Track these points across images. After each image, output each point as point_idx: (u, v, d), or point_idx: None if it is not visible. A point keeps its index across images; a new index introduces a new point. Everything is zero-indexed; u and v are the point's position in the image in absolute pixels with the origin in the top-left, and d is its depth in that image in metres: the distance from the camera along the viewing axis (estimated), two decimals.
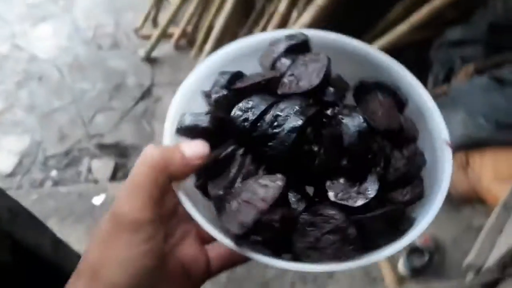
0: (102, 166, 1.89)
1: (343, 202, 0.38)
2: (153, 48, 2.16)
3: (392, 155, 0.42)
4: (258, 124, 0.39)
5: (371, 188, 0.39)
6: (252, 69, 0.46)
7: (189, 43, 2.15)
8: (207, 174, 0.39)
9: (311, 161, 0.39)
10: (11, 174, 1.89)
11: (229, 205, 0.36)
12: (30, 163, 1.92)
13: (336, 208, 0.38)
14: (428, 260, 1.36)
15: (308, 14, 1.47)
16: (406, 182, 0.42)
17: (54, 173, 1.91)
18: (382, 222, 0.38)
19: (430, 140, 0.44)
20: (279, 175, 0.37)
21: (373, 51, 0.47)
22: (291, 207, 0.38)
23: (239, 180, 0.38)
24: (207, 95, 0.43)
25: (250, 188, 0.37)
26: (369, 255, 0.37)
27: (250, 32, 1.77)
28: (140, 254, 0.34)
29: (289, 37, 0.46)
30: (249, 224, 0.34)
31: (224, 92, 0.42)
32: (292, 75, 0.43)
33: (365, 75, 0.45)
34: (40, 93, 2.14)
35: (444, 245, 1.44)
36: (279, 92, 0.42)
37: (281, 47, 0.46)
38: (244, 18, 1.84)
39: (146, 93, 2.13)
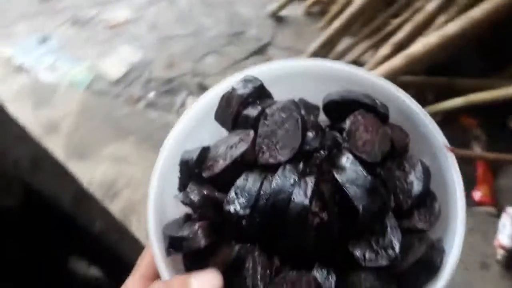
0: None
1: (374, 265, 0.36)
2: (283, 6, 2.08)
3: (397, 179, 0.40)
4: (255, 215, 0.37)
5: (395, 237, 0.37)
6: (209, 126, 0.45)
7: (322, 12, 2.03)
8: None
9: (325, 232, 0.37)
10: (116, 82, 1.99)
11: None
12: (135, 78, 2.01)
13: (370, 273, 0.36)
14: None
15: (456, 24, 1.29)
16: (420, 204, 0.40)
17: (151, 95, 1.98)
18: (419, 264, 0.37)
19: (425, 146, 0.42)
20: (303, 272, 0.36)
21: (341, 66, 0.45)
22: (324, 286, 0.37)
23: (259, 285, 0.37)
24: (186, 200, 0.39)
25: None
26: None
27: (385, 24, 1.62)
28: None
29: (243, 83, 0.43)
30: None
31: (203, 191, 0.39)
32: (266, 137, 0.40)
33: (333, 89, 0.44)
34: (166, 15, 2.20)
35: None
36: (260, 162, 0.40)
37: (236, 99, 0.43)
38: (385, 6, 1.68)
39: (261, 50, 2.08)
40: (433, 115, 1.75)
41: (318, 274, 0.37)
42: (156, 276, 0.43)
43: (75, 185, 0.66)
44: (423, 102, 1.88)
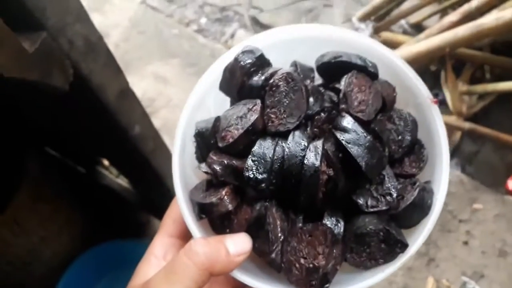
0: (245, 39, 1.89)
1: (376, 209, 0.42)
2: None
3: (389, 132, 0.46)
4: (272, 178, 0.42)
5: (392, 185, 0.43)
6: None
7: None
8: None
9: (332, 186, 0.42)
10: (170, 1, 1.96)
11: (289, 267, 0.41)
12: (190, 0, 1.97)
13: (372, 216, 0.43)
14: None
15: None
16: (410, 152, 0.46)
17: (203, 20, 1.95)
18: (413, 206, 0.42)
19: (411, 98, 0.47)
20: (317, 223, 0.42)
21: (331, 29, 0.49)
22: (335, 232, 0.42)
23: (280, 235, 0.42)
24: (209, 170, 0.43)
25: (298, 247, 0.41)
26: (414, 240, 0.43)
27: None
28: None
29: (244, 54, 0.46)
30: (318, 284, 0.40)
31: (224, 160, 0.43)
32: (273, 107, 0.44)
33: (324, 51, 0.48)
34: None
35: None
36: (270, 130, 0.43)
37: (239, 70, 0.45)
38: None
39: None
40: (487, 94, 1.68)
41: (328, 222, 0.43)
42: (182, 234, 0.47)
43: (122, 82, 0.66)
44: (481, 79, 1.82)
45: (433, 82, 1.67)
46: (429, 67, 1.69)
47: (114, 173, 1.30)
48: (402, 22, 1.81)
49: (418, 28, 1.78)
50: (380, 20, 1.79)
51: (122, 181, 1.29)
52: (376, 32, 1.75)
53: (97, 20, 2.02)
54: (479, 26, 1.38)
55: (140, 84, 1.71)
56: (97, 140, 0.91)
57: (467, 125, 1.46)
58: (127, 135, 0.72)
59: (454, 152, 1.55)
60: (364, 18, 1.81)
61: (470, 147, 1.56)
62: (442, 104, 1.62)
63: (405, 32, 1.79)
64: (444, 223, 1.36)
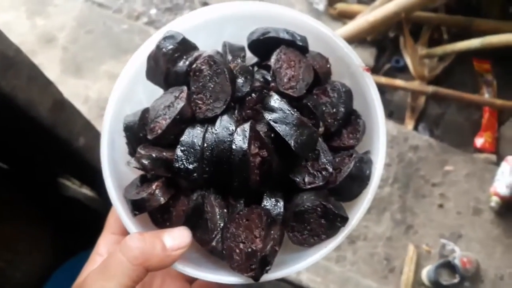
0: None
1: (313, 185, 0.42)
2: None
3: (323, 105, 0.45)
4: (203, 166, 0.41)
5: (327, 159, 0.43)
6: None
7: None
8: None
9: (267, 167, 0.41)
10: None
11: (229, 253, 0.41)
12: None
13: (310, 193, 0.42)
14: (458, 283, 1.21)
15: None
16: (346, 124, 0.46)
17: (153, 11, 1.88)
18: (351, 178, 0.42)
19: (344, 68, 0.46)
20: (253, 206, 0.41)
21: (257, 5, 0.47)
22: (274, 212, 0.42)
23: (219, 223, 0.42)
24: (138, 165, 0.42)
25: (237, 233, 0.41)
26: (356, 211, 0.43)
27: None
28: None
29: (166, 40, 0.44)
30: (258, 271, 0.40)
31: (152, 153, 0.41)
32: (199, 92, 0.42)
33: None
34: None
35: (485, 275, 1.29)
36: (199, 117, 0.42)
37: (162, 57, 0.44)
38: None
39: None
40: (447, 55, 1.67)
41: (268, 203, 0.42)
42: (124, 231, 0.47)
43: (55, 93, 0.61)
44: (439, 41, 1.81)
45: (393, 49, 1.66)
46: (388, 34, 1.68)
47: (77, 183, 1.25)
48: None
49: None
50: None
51: (87, 191, 1.24)
52: (330, 4, 1.72)
53: (41, 24, 1.92)
54: None
55: (95, 86, 1.64)
56: (42, 154, 0.86)
57: (431, 88, 1.46)
58: (71, 147, 0.68)
59: (421, 116, 1.55)
60: None
61: (435, 110, 1.56)
62: (403, 69, 1.62)
63: (360, 2, 1.77)
64: (417, 188, 1.37)
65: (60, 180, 1.23)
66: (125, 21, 1.79)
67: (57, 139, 0.64)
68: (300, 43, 0.45)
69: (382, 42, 1.66)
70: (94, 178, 0.90)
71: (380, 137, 0.44)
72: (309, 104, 0.43)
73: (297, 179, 0.43)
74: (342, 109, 0.45)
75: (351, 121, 0.46)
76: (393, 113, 1.58)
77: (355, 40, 1.55)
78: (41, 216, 1.13)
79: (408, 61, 1.56)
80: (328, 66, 0.47)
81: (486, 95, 1.53)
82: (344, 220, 0.42)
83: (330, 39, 0.46)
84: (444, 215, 1.33)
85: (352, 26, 1.51)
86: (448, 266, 1.23)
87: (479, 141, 1.47)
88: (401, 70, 1.62)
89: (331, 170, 0.42)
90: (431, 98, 1.54)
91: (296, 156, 0.42)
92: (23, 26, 1.73)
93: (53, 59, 1.69)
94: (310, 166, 0.43)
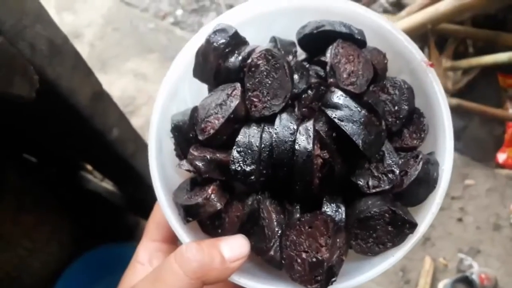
0: None
1: (378, 190, 0.39)
2: None
3: (384, 103, 0.42)
4: (261, 168, 0.38)
5: (393, 161, 0.40)
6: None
7: None
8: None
9: (329, 170, 0.38)
10: None
11: (290, 263, 0.38)
12: None
13: (375, 198, 0.39)
14: None
15: None
16: (408, 123, 0.43)
17: (179, 12, 1.90)
18: (418, 181, 0.39)
19: (403, 64, 0.43)
20: (316, 212, 0.38)
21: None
22: (335, 218, 0.39)
23: (277, 230, 0.39)
24: (191, 168, 0.39)
25: (298, 241, 0.38)
26: (422, 217, 0.40)
27: None
28: None
29: (216, 34, 0.41)
30: (323, 283, 0.36)
31: (207, 155, 0.39)
32: (254, 89, 0.39)
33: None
34: None
35: None
36: (254, 115, 0.39)
37: (213, 52, 0.41)
38: None
39: None
40: (471, 69, 1.66)
41: (328, 209, 0.39)
42: (167, 237, 0.44)
43: (95, 84, 0.61)
44: (464, 54, 1.80)
45: None
46: None
47: (98, 177, 1.27)
48: (382, 1, 1.78)
49: (398, 6, 1.75)
50: (359, 0, 1.77)
51: (107, 185, 1.25)
52: None
53: (69, 19, 1.95)
54: (460, 0, 1.36)
55: (119, 83, 1.66)
56: (74, 145, 0.87)
57: (454, 101, 1.45)
58: (105, 139, 0.68)
59: None
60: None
61: (458, 123, 1.55)
62: None
63: (385, 11, 1.76)
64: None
65: (82, 173, 1.25)
66: (152, 20, 1.81)
67: (93, 129, 0.65)
68: (358, 37, 0.42)
69: None
70: (122, 171, 0.91)
71: (447, 137, 0.40)
72: (370, 101, 0.40)
73: (360, 183, 0.39)
74: (405, 107, 0.41)
75: (413, 120, 0.43)
76: None
77: None
78: (61, 208, 1.14)
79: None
80: (385, 61, 0.43)
81: (510, 110, 1.51)
82: (413, 226, 0.39)
83: (389, 33, 0.43)
84: (463, 229, 1.32)
85: None
86: (466, 281, 1.21)
87: (501, 157, 1.45)
88: None
89: (397, 172, 0.39)
90: (453, 111, 1.53)
91: (361, 157, 0.38)
92: None
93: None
94: (374, 168, 0.40)
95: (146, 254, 0.43)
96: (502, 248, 1.30)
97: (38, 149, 1.01)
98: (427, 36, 1.49)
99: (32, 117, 0.70)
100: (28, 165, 1.13)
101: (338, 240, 0.37)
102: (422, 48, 1.62)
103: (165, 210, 0.40)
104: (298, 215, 0.39)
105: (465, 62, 1.53)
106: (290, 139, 0.37)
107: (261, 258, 0.39)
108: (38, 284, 1.10)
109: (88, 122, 0.63)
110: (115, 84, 1.66)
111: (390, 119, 0.42)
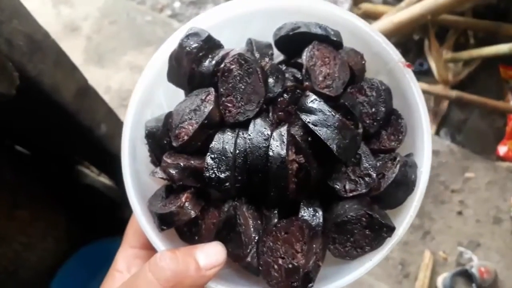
0: None
1: (355, 193, 0.39)
2: None
3: (361, 105, 0.41)
4: (236, 174, 0.38)
5: (370, 164, 0.39)
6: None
7: None
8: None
9: (305, 174, 0.38)
10: None
11: (267, 269, 0.37)
12: None
13: (352, 201, 0.38)
14: None
15: None
16: (386, 124, 0.42)
17: (177, 4, 1.88)
18: (396, 184, 0.38)
19: (381, 65, 0.43)
20: (292, 218, 0.38)
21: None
22: (313, 223, 0.39)
23: (253, 236, 0.38)
24: (164, 175, 0.39)
25: (274, 247, 0.37)
26: (401, 220, 0.39)
27: None
28: None
29: (189, 38, 0.41)
30: (300, 285, 0.36)
31: (180, 162, 0.38)
32: (228, 94, 0.39)
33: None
34: None
35: (502, 286, 1.26)
36: (229, 121, 0.39)
37: (186, 57, 0.41)
38: None
39: None
40: (472, 60, 1.64)
41: (305, 213, 0.39)
42: (145, 244, 0.43)
43: (80, 80, 0.59)
44: (465, 45, 1.77)
45: (417, 51, 1.63)
46: (412, 36, 1.65)
47: (95, 172, 1.26)
48: None
49: None
50: None
51: (104, 179, 1.25)
52: (355, 4, 1.70)
53: (66, 12, 1.94)
54: None
55: (117, 76, 1.65)
56: (62, 140, 0.85)
57: (454, 93, 1.43)
58: (92, 134, 0.67)
59: (443, 121, 1.52)
60: None
61: (458, 115, 1.54)
62: (427, 73, 1.59)
63: (385, 2, 1.74)
64: (436, 194, 1.34)
65: (79, 168, 1.24)
66: (149, 13, 1.79)
67: (80, 125, 0.64)
68: (334, 38, 0.41)
69: (407, 44, 1.64)
70: (113, 166, 0.90)
71: (425, 139, 0.40)
72: (346, 104, 0.40)
73: (337, 187, 0.39)
74: (383, 109, 0.41)
75: (391, 121, 0.42)
76: None
77: None
78: (57, 203, 1.14)
79: (432, 64, 1.53)
80: (363, 62, 0.43)
81: None
82: (391, 230, 0.38)
83: (366, 34, 0.42)
84: (462, 223, 1.31)
85: (376, 27, 1.49)
86: (465, 274, 1.21)
87: (502, 149, 1.43)
88: (425, 74, 1.59)
89: (374, 176, 0.39)
90: (454, 103, 1.52)
91: (337, 161, 0.38)
92: (48, 14, 1.75)
93: (77, 48, 1.70)
94: (351, 172, 0.39)
95: (124, 262, 0.43)
96: (502, 241, 1.29)
97: (29, 144, 1.00)
98: (428, 27, 1.47)
99: (16, 112, 0.69)
100: (23, 160, 1.12)
101: (314, 245, 0.37)
102: (422, 40, 1.60)
103: (140, 219, 0.40)
104: (275, 221, 0.39)
105: (465, 54, 1.51)
106: (264, 144, 0.37)
107: (239, 264, 0.39)
108: (35, 279, 1.10)
109: (74, 117, 0.62)
110: (113, 78, 1.64)
111: (367, 121, 0.41)
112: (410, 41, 1.64)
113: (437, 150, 1.38)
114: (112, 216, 1.33)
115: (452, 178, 1.35)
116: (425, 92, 1.50)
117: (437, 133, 1.49)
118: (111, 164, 0.88)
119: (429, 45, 1.55)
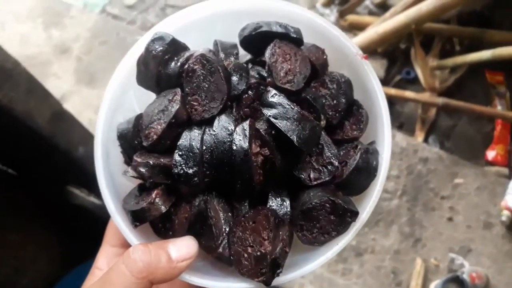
0: None
1: (320, 181, 0.41)
2: None
3: (323, 98, 0.44)
4: (204, 169, 0.39)
5: (332, 153, 0.41)
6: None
7: None
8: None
9: (270, 166, 0.40)
10: (131, 7, 1.93)
11: (238, 259, 0.39)
12: (151, 4, 1.93)
13: (316, 189, 0.41)
14: None
15: None
16: (348, 115, 0.44)
17: None
18: (358, 170, 0.41)
19: (341, 58, 0.45)
20: (258, 208, 0.39)
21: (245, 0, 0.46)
22: (281, 211, 0.41)
23: (224, 228, 0.40)
24: (135, 174, 0.40)
25: (243, 236, 0.39)
26: (365, 205, 0.41)
27: None
28: None
29: (154, 42, 0.43)
30: (268, 275, 0.38)
31: (149, 160, 0.40)
32: (193, 94, 0.41)
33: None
34: None
35: None
36: (195, 119, 0.41)
37: (152, 60, 0.43)
38: None
39: None
40: (458, 67, 1.65)
41: (274, 203, 0.41)
42: (124, 243, 0.45)
43: (54, 105, 0.61)
44: (451, 53, 1.79)
45: (403, 60, 1.64)
46: (399, 46, 1.67)
47: (85, 192, 1.27)
48: (367, 2, 1.77)
49: (383, 7, 1.75)
50: (344, 3, 1.77)
51: (94, 199, 1.26)
52: (341, 16, 1.72)
53: (56, 35, 1.96)
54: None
55: None
56: (44, 162, 0.87)
57: (441, 100, 1.44)
58: (71, 156, 0.69)
59: (431, 128, 1.53)
60: (328, 3, 1.78)
61: (446, 122, 1.54)
62: (414, 81, 1.61)
63: (370, 13, 1.76)
64: (426, 201, 1.34)
65: (69, 188, 1.25)
66: (139, 33, 1.81)
67: (57, 149, 0.65)
68: (294, 35, 0.44)
69: (393, 53, 1.65)
70: (96, 185, 0.91)
71: (385, 126, 0.42)
72: (308, 97, 0.42)
73: (302, 176, 0.41)
74: (343, 100, 0.43)
75: (353, 112, 0.44)
76: (403, 125, 1.56)
77: (366, 51, 1.55)
78: (48, 224, 1.14)
79: (419, 72, 1.54)
80: (325, 57, 0.45)
81: (499, 107, 1.51)
82: (355, 214, 0.40)
83: (325, 29, 0.45)
84: (453, 229, 1.31)
85: (362, 38, 1.50)
86: (457, 281, 1.20)
87: (490, 154, 1.44)
88: (412, 82, 1.60)
89: (336, 164, 0.41)
90: (442, 110, 1.52)
91: (299, 152, 0.40)
92: (39, 37, 1.77)
93: (68, 69, 1.72)
94: (315, 161, 0.41)
95: (105, 260, 0.45)
96: (493, 246, 1.29)
97: (14, 165, 1.01)
98: (412, 36, 1.49)
99: None
100: (12, 181, 1.13)
101: (280, 232, 0.39)
102: (409, 48, 1.62)
103: (115, 217, 0.42)
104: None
105: (451, 61, 1.53)
106: (228, 139, 0.39)
107: (212, 256, 0.41)
108: None
109: (51, 141, 0.64)
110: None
111: (330, 113, 0.43)
112: (397, 50, 1.66)
113: (426, 157, 1.39)
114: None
115: (442, 184, 1.36)
116: (412, 100, 1.51)
117: (425, 140, 1.50)
118: (94, 183, 0.89)
119: (415, 53, 1.57)
